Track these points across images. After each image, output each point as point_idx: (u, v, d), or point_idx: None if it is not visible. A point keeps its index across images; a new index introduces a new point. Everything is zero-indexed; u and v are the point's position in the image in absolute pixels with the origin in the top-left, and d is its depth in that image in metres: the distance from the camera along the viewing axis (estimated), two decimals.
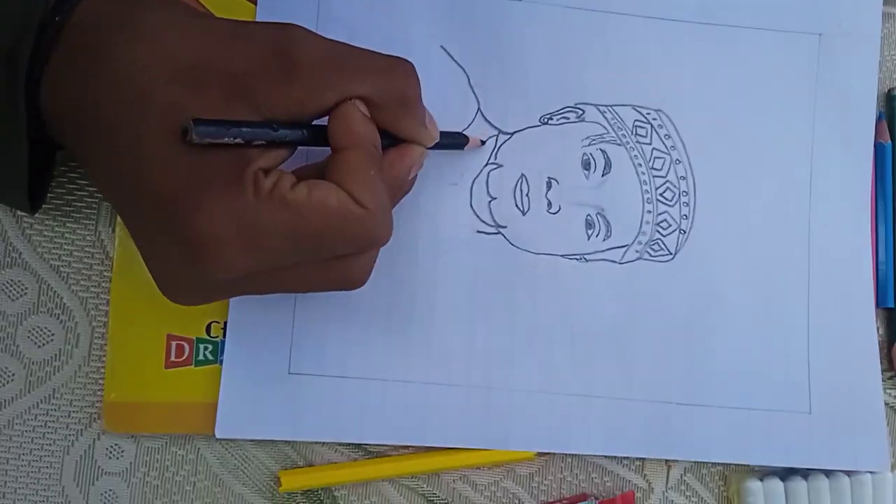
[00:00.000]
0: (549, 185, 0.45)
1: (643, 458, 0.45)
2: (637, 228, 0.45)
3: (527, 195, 0.45)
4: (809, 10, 0.47)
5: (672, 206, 0.45)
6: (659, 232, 0.45)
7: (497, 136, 0.45)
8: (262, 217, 0.31)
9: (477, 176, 0.45)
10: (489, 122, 0.45)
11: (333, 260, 0.34)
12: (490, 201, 0.45)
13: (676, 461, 0.45)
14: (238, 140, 0.31)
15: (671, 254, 0.45)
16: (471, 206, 0.44)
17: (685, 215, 0.45)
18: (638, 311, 0.45)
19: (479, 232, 0.44)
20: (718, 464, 0.46)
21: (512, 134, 0.45)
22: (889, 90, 0.48)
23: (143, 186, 0.32)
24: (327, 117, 0.34)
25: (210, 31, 0.33)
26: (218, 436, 0.42)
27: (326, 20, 0.44)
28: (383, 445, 0.44)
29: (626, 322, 0.45)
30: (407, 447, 0.44)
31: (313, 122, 0.34)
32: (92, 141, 0.33)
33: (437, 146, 0.39)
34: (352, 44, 0.35)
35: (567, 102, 0.45)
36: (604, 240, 0.45)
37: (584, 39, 0.45)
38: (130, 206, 0.34)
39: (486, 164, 0.45)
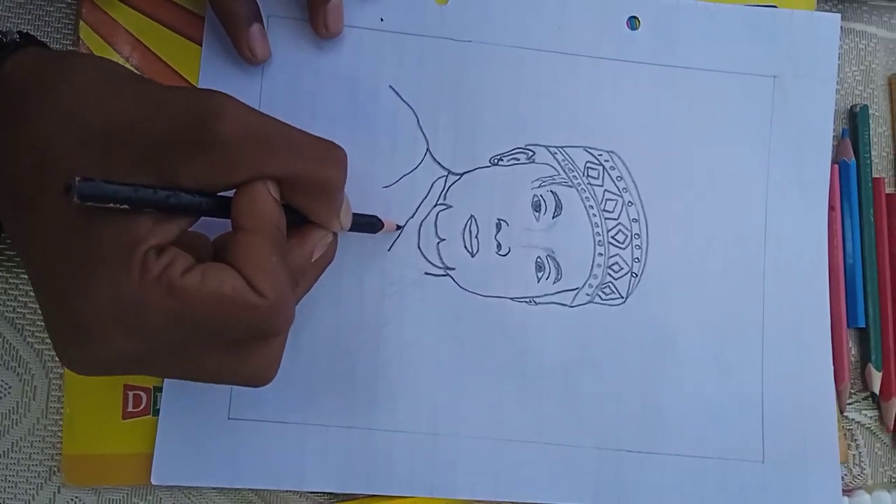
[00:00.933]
0: (498, 227, 0.44)
1: None
2: (588, 271, 0.44)
3: (476, 237, 0.44)
4: (764, 52, 0.46)
5: (624, 248, 0.45)
6: (610, 275, 0.45)
7: (446, 176, 0.44)
8: (146, 302, 0.30)
9: (426, 217, 0.44)
10: (438, 163, 0.44)
11: (231, 349, 0.33)
12: (438, 243, 0.44)
13: None
14: (124, 205, 0.30)
15: (623, 297, 0.45)
16: (419, 247, 0.44)
17: (637, 258, 0.45)
18: (589, 355, 0.44)
19: (426, 273, 0.44)
20: None
21: (461, 175, 0.44)
22: (851, 107, 0.48)
23: (38, 253, 0.32)
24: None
25: (130, 96, 0.32)
26: (154, 482, 0.41)
27: (272, 59, 0.43)
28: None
29: (577, 366, 0.44)
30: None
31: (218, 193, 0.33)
32: (1, 201, 0.33)
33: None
34: (281, 120, 0.34)
35: (517, 143, 0.45)
36: (554, 282, 0.44)
37: (535, 80, 0.45)
38: (29, 268, 0.33)
39: (435, 204, 0.44)
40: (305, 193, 0.34)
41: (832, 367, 0.45)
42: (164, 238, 0.31)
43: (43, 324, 0.42)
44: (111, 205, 0.30)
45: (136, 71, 0.42)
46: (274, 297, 0.31)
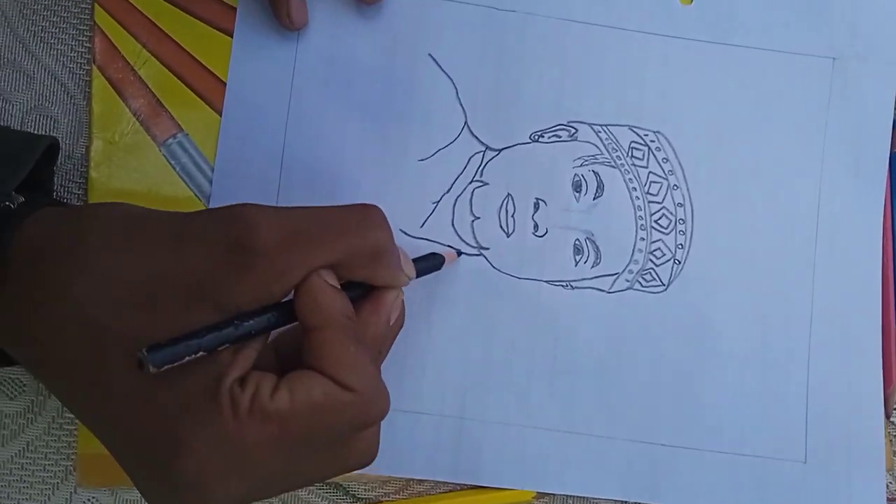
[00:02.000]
0: (536, 207, 0.42)
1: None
2: (629, 256, 0.43)
3: (512, 216, 0.42)
4: (824, 32, 0.44)
5: (667, 234, 0.43)
6: (652, 261, 0.43)
7: (484, 152, 0.43)
8: (248, 439, 0.29)
9: (461, 194, 0.42)
10: (476, 137, 0.43)
11: (334, 447, 0.32)
12: (473, 221, 0.42)
13: None
14: (201, 353, 0.29)
15: (664, 285, 0.43)
16: (452, 224, 0.42)
17: (681, 245, 0.43)
18: (625, 344, 0.42)
19: (460, 253, 0.42)
20: None
21: (499, 151, 0.43)
22: None
23: (115, 425, 0.31)
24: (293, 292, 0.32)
25: (155, 240, 0.31)
26: None
27: (310, 33, 0.42)
28: (374, 492, 0.42)
29: (612, 355, 0.42)
30: (398, 492, 0.42)
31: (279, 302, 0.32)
32: (52, 377, 0.32)
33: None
34: (311, 206, 0.33)
35: (560, 120, 0.43)
36: (592, 267, 0.42)
37: (580, 54, 0.43)
38: (107, 441, 0.32)
39: (471, 181, 0.42)
40: (362, 265, 0.33)
41: (881, 369, 0.43)
42: (245, 366, 0.30)
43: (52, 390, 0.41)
44: (186, 359, 0.29)
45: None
46: (364, 388, 0.31)
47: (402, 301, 0.35)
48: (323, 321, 0.31)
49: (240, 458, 0.29)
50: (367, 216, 0.33)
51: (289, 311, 0.31)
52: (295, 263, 0.31)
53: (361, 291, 0.34)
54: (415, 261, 0.37)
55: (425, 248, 0.42)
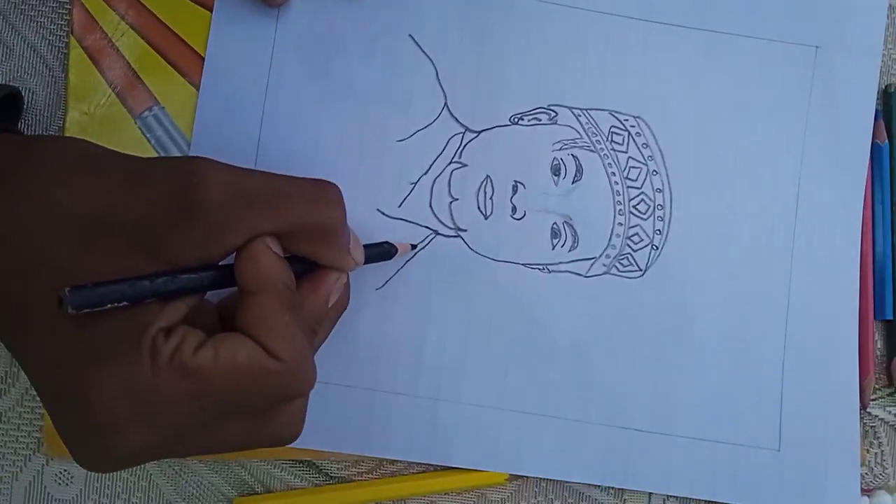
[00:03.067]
0: (514, 189, 0.42)
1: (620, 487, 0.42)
2: (606, 241, 0.42)
3: (490, 198, 0.42)
4: (807, 20, 0.44)
5: (645, 219, 0.43)
6: (629, 246, 0.42)
7: (463, 133, 0.42)
8: (162, 389, 0.29)
9: (439, 175, 0.42)
10: (455, 119, 0.42)
11: (254, 416, 0.31)
12: (451, 202, 0.42)
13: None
14: (124, 303, 0.28)
15: (641, 270, 0.42)
16: (430, 205, 0.42)
17: (658, 230, 0.43)
18: (601, 328, 0.42)
19: (437, 234, 0.42)
20: None
21: (479, 133, 0.42)
22: (886, 87, 0.45)
23: (35, 357, 0.30)
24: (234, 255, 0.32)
25: (103, 179, 0.30)
26: None
27: (289, 10, 0.42)
28: (346, 471, 0.42)
29: (589, 339, 0.42)
30: (371, 471, 0.42)
31: (219, 263, 0.31)
32: None
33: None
34: (266, 170, 0.32)
35: (540, 103, 0.43)
36: (570, 250, 0.42)
37: (562, 37, 0.43)
38: (27, 370, 0.31)
39: (450, 162, 0.42)
40: (308, 240, 0.33)
41: (858, 359, 0.43)
42: (173, 318, 0.30)
43: None
44: (109, 306, 0.28)
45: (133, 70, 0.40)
46: (291, 358, 0.30)
47: (347, 284, 0.35)
48: (260, 285, 0.31)
49: (151, 407, 0.29)
50: (323, 191, 0.33)
51: (226, 276, 0.31)
52: (238, 224, 0.30)
53: (305, 267, 0.33)
54: (365, 247, 0.36)
55: (402, 229, 0.42)
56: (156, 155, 0.41)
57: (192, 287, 0.30)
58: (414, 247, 0.41)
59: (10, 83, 0.41)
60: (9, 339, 0.32)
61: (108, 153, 0.32)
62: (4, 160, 0.31)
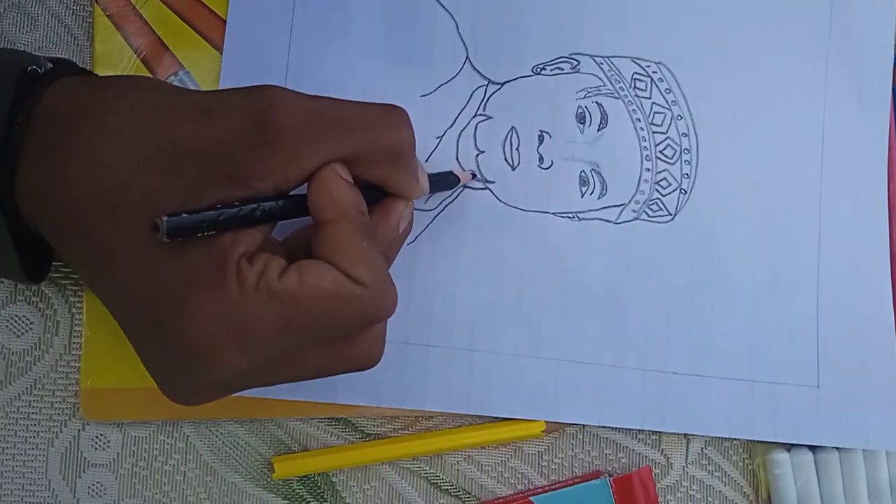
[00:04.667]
0: (540, 139, 0.42)
1: (659, 432, 0.42)
2: (634, 187, 0.42)
3: (517, 149, 0.42)
4: None
5: (672, 164, 0.43)
6: (658, 191, 0.43)
7: (486, 86, 0.42)
8: (252, 313, 0.29)
9: (464, 128, 0.42)
10: (478, 72, 0.42)
11: (338, 341, 0.32)
12: (477, 155, 0.42)
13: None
14: (212, 231, 0.29)
15: (671, 214, 0.43)
16: (457, 159, 0.42)
17: (686, 174, 0.43)
18: (634, 274, 0.42)
19: (465, 186, 0.42)
20: None
21: (502, 84, 0.43)
22: None
23: (123, 289, 0.30)
24: (305, 185, 0.32)
25: (179, 110, 0.31)
26: None
27: None
28: (382, 427, 0.42)
29: (621, 285, 0.42)
30: (406, 427, 0.42)
31: (290, 193, 0.32)
32: (69, 241, 0.32)
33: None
34: (335, 97, 0.33)
35: (561, 52, 0.43)
36: (598, 198, 0.42)
37: None
38: (115, 307, 0.32)
39: (475, 115, 0.42)
40: (380, 165, 0.33)
41: (892, 293, 0.43)
42: (251, 245, 0.30)
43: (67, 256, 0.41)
44: (199, 234, 0.29)
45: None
46: (374, 282, 0.31)
47: (412, 211, 0.35)
48: (337, 214, 0.31)
49: (242, 331, 0.29)
50: (394, 115, 0.33)
51: (299, 204, 0.31)
52: (315, 148, 0.31)
53: (372, 196, 0.34)
54: (430, 176, 0.37)
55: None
56: None
57: (273, 214, 0.30)
58: (474, 175, 0.41)
59: (37, 52, 0.42)
60: (93, 274, 0.32)
61: (179, 88, 0.33)
62: (83, 100, 0.32)
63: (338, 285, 0.30)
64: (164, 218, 0.28)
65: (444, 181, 0.40)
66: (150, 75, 0.41)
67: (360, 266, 0.30)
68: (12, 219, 0.33)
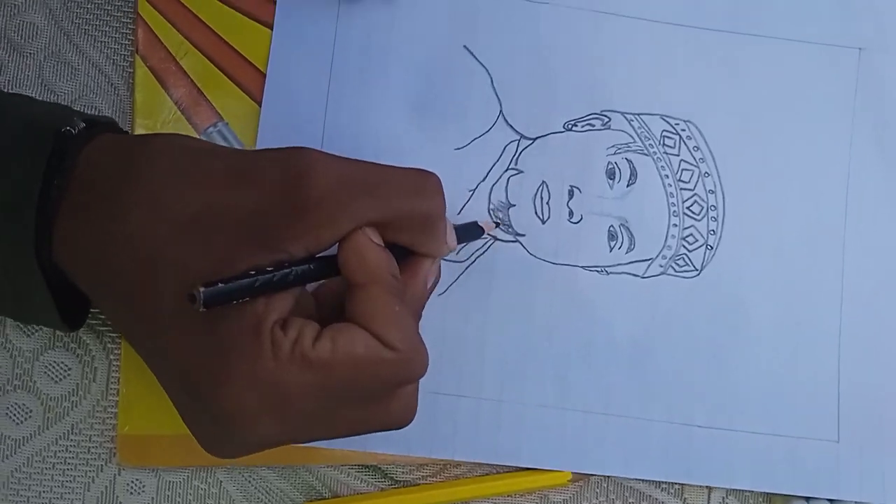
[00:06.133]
0: (570, 194, 0.43)
1: (682, 483, 0.43)
2: (662, 242, 0.43)
3: (547, 203, 0.43)
4: (850, 22, 0.45)
5: (699, 220, 0.44)
6: (685, 247, 0.43)
7: (518, 140, 0.43)
8: (286, 381, 0.29)
9: (496, 182, 0.43)
10: (511, 126, 0.43)
11: (371, 402, 0.32)
12: (509, 208, 0.43)
13: None
14: (246, 298, 0.30)
15: (697, 270, 0.43)
16: (489, 212, 0.43)
17: (713, 230, 0.44)
18: (660, 327, 0.43)
19: (496, 239, 0.43)
20: None
21: (534, 139, 0.43)
22: None
23: (160, 352, 0.31)
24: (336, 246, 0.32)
25: (212, 176, 0.31)
26: None
27: (347, 26, 0.43)
28: (411, 475, 0.42)
29: (647, 339, 0.43)
30: (435, 475, 0.42)
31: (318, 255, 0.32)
32: (106, 300, 0.33)
33: None
34: (371, 161, 0.33)
35: (593, 109, 0.44)
36: (626, 252, 0.43)
37: (612, 45, 0.44)
38: (152, 364, 0.33)
39: (507, 169, 0.43)
40: (410, 230, 0.33)
41: None
42: (284, 310, 0.31)
43: (105, 312, 0.41)
44: (234, 302, 0.29)
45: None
46: (406, 346, 0.31)
47: (439, 265, 0.36)
48: (370, 278, 0.31)
49: (277, 398, 0.30)
50: (426, 182, 0.34)
51: (330, 265, 0.32)
52: (347, 213, 0.31)
53: (399, 253, 0.34)
54: (457, 228, 0.37)
55: None
56: None
57: (305, 277, 0.31)
58: (498, 224, 0.42)
59: (76, 101, 0.42)
60: (133, 336, 0.33)
61: (211, 148, 0.33)
62: (114, 163, 0.32)
63: (370, 350, 0.30)
64: (202, 289, 0.28)
65: (470, 233, 0.40)
66: (187, 128, 0.42)
67: (392, 331, 0.31)
68: (50, 272, 0.33)
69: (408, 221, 0.33)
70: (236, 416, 0.30)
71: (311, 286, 0.34)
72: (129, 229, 0.31)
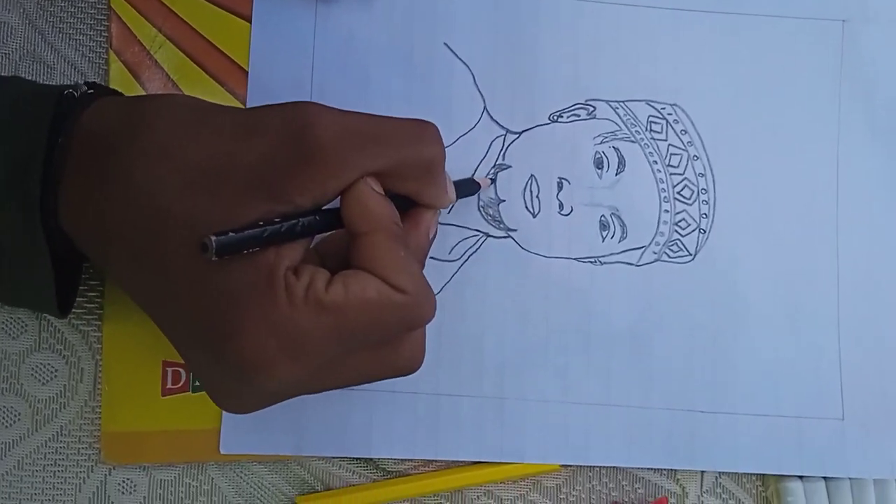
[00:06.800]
0: (560, 186, 0.43)
1: (688, 469, 0.43)
2: (654, 229, 0.43)
3: (537, 196, 0.43)
4: None
5: (690, 204, 0.43)
6: (677, 232, 0.43)
7: (504, 135, 0.43)
8: (302, 325, 0.30)
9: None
10: (496, 122, 0.43)
11: (381, 347, 0.33)
12: (499, 204, 0.43)
13: None
14: (256, 248, 0.30)
15: (691, 254, 0.43)
16: (479, 209, 0.43)
17: (704, 214, 0.43)
18: (657, 315, 0.43)
19: (488, 236, 0.43)
20: None
21: (520, 133, 0.43)
22: None
23: (173, 306, 0.31)
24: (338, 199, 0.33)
25: (221, 127, 0.32)
26: (222, 451, 0.41)
27: (324, 24, 0.43)
28: (402, 465, 0.42)
29: (645, 327, 0.43)
30: (426, 464, 0.42)
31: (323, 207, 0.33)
32: (116, 259, 0.33)
33: None
34: (369, 112, 0.33)
35: (577, 99, 0.43)
36: (619, 241, 0.43)
37: (593, 33, 0.44)
38: (164, 323, 0.33)
39: (494, 164, 0.43)
40: (413, 178, 0.34)
41: None
42: (294, 258, 0.31)
43: (88, 305, 0.42)
44: (245, 252, 0.30)
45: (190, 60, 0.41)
46: (415, 290, 0.32)
47: (437, 220, 0.37)
48: (373, 226, 0.32)
49: (293, 343, 0.30)
50: (426, 131, 0.34)
51: (333, 218, 0.32)
52: (351, 163, 0.32)
53: (401, 204, 0.35)
54: (455, 184, 0.38)
55: (453, 234, 0.42)
56: None
57: (313, 228, 0.31)
58: (492, 181, 0.42)
59: None
60: (142, 294, 0.33)
61: (216, 106, 0.33)
62: (120, 121, 0.33)
63: (381, 294, 0.31)
64: (213, 238, 0.29)
65: (467, 188, 0.41)
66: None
67: (400, 275, 0.31)
68: (54, 240, 0.33)
69: (410, 169, 0.33)
70: (255, 361, 0.30)
71: (313, 242, 0.34)
72: (136, 184, 0.31)
